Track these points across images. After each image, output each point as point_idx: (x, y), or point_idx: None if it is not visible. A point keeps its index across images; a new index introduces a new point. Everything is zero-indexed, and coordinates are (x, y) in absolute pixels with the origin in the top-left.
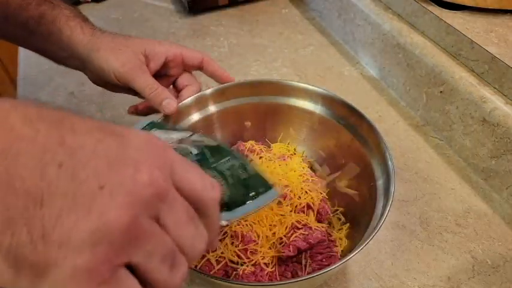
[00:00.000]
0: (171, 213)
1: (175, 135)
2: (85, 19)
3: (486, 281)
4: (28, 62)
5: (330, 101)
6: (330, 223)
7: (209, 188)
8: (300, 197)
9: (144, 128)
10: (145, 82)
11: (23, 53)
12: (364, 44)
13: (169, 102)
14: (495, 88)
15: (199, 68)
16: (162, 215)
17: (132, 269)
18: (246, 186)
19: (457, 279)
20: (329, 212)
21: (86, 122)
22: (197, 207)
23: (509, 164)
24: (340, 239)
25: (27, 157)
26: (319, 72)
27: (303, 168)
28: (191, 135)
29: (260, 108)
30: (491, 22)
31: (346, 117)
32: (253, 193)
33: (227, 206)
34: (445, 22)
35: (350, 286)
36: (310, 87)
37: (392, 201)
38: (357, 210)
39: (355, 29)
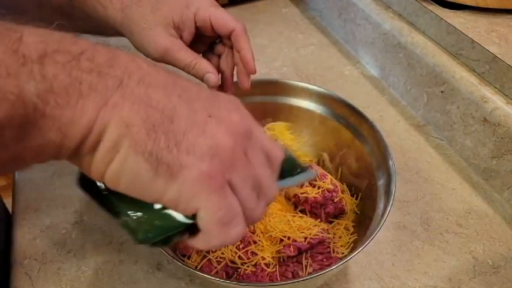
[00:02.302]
0: (255, 152)
1: None
2: None
3: (487, 281)
4: None
5: (330, 100)
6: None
7: (277, 147)
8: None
9: None
10: (183, 61)
11: None
12: (365, 43)
13: (210, 76)
14: (496, 88)
15: (228, 39)
16: (249, 151)
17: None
18: (290, 163)
19: (457, 279)
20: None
21: (182, 76)
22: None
23: (510, 164)
24: (347, 229)
25: (156, 87)
26: (319, 71)
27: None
28: None
29: (260, 108)
30: (492, 22)
31: (347, 116)
32: (297, 168)
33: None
34: (446, 22)
35: (351, 286)
36: (311, 86)
37: (393, 201)
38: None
39: (356, 28)
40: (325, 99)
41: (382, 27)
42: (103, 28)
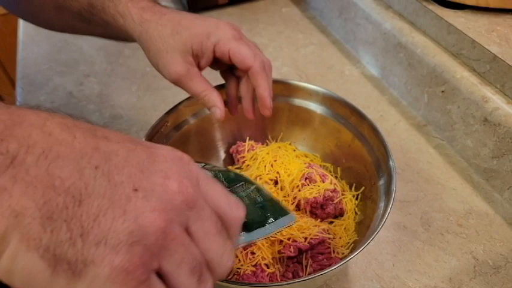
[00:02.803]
0: (200, 222)
1: None
2: None
3: (487, 281)
4: (27, 62)
5: (330, 100)
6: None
7: (234, 206)
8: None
9: None
10: (195, 90)
11: (22, 53)
12: (365, 43)
13: (215, 111)
14: (497, 88)
15: (245, 73)
16: (191, 223)
17: (161, 278)
18: (264, 209)
19: (458, 280)
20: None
21: (116, 133)
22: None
23: (511, 164)
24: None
25: (66, 159)
26: (319, 71)
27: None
28: (204, 165)
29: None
30: (492, 21)
31: (347, 116)
32: (271, 216)
33: (246, 227)
34: (447, 21)
35: (351, 287)
36: (311, 86)
37: (393, 201)
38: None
39: (356, 28)
40: (325, 99)
41: (382, 27)
42: (122, 36)
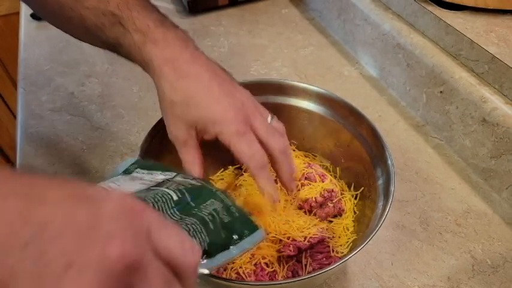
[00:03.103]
0: (146, 283)
1: (160, 176)
2: (155, 42)
3: (486, 280)
4: (28, 62)
5: (329, 101)
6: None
7: (188, 251)
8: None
9: (128, 168)
10: (182, 158)
11: (24, 54)
12: (364, 44)
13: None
14: (495, 88)
15: None
16: (136, 286)
17: None
18: (229, 230)
19: (457, 279)
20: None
21: (57, 188)
22: (175, 270)
23: (509, 164)
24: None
25: None
26: (319, 72)
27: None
28: (176, 175)
29: None
30: (491, 22)
31: (346, 117)
32: (236, 237)
33: (208, 253)
34: (445, 22)
35: (350, 286)
36: (310, 87)
37: (392, 201)
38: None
39: (355, 29)
40: (324, 99)
41: (381, 28)
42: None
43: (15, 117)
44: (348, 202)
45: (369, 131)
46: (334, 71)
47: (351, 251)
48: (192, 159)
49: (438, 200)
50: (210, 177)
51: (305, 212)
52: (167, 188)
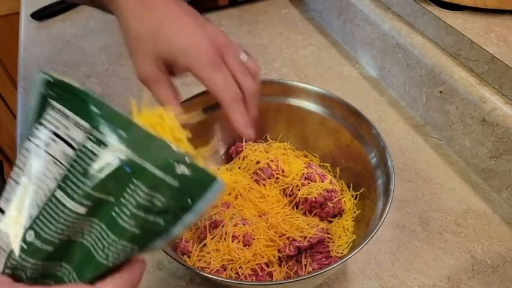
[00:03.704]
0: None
1: (79, 134)
2: None
3: (486, 280)
4: (28, 62)
5: (329, 101)
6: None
7: None
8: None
9: (42, 102)
10: (157, 97)
11: (24, 54)
12: (364, 44)
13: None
14: (495, 88)
15: None
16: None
17: None
18: (179, 198)
19: (456, 279)
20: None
21: None
22: None
23: (509, 164)
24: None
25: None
26: (319, 72)
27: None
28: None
29: (260, 108)
30: (490, 22)
31: (346, 117)
32: (190, 201)
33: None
34: (445, 22)
35: (350, 286)
36: (310, 87)
37: (392, 201)
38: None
39: (355, 29)
40: (324, 99)
41: (381, 28)
42: (107, 11)
43: (15, 117)
44: (348, 202)
45: (369, 131)
46: (334, 71)
47: (350, 251)
48: (167, 95)
49: (438, 200)
50: None
51: (305, 212)
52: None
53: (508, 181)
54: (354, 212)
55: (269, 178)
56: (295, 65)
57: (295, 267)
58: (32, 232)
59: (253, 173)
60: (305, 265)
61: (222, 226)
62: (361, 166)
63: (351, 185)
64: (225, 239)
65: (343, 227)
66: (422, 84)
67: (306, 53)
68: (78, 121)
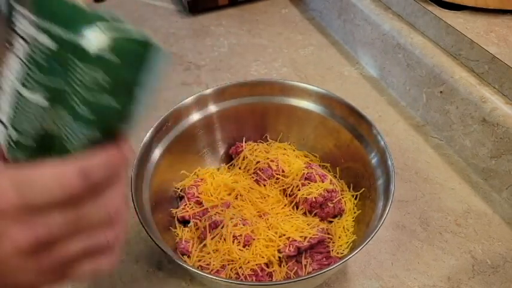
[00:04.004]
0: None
1: (46, 41)
2: None
3: (486, 281)
4: None
5: (329, 101)
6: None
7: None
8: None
9: None
10: None
11: None
12: (364, 44)
13: None
14: (495, 88)
15: None
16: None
17: None
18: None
19: (457, 279)
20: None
21: None
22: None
23: (509, 164)
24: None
25: None
26: (319, 72)
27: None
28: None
29: (260, 108)
30: (491, 22)
31: (346, 117)
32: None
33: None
34: (445, 22)
35: (350, 286)
36: (310, 87)
37: (392, 201)
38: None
39: (355, 29)
40: (324, 99)
41: (381, 28)
42: None
43: None
44: (348, 202)
45: (369, 131)
46: (334, 71)
47: (351, 251)
48: None
49: (438, 200)
50: (206, 178)
51: (305, 212)
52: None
53: (509, 181)
54: (354, 212)
55: (269, 178)
56: (295, 65)
57: (295, 268)
58: (12, 130)
59: (253, 173)
60: (305, 265)
61: (222, 226)
62: (361, 166)
63: (351, 185)
64: (225, 239)
65: (343, 227)
66: (422, 84)
67: (306, 53)
68: (25, 13)
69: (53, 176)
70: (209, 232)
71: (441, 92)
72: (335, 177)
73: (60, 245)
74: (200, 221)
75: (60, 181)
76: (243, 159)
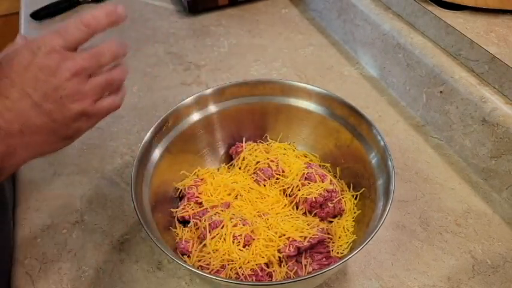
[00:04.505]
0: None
1: None
2: None
3: (486, 281)
4: None
5: (329, 101)
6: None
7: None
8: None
9: None
10: None
11: None
12: (364, 44)
13: None
14: (495, 88)
15: None
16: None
17: None
18: None
19: (457, 279)
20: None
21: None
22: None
23: (509, 164)
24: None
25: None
26: (319, 72)
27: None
28: None
29: (260, 108)
30: (491, 22)
31: (346, 117)
32: None
33: None
34: (445, 22)
35: (350, 286)
36: (310, 87)
37: (392, 201)
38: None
39: (355, 29)
40: (324, 99)
41: (381, 28)
42: None
43: None
44: (348, 202)
45: (369, 131)
46: (334, 71)
47: (351, 251)
48: None
49: (438, 200)
50: (206, 178)
51: (305, 212)
52: None
53: (509, 181)
54: (354, 212)
55: (269, 178)
56: (295, 65)
57: (295, 268)
58: None
59: (253, 173)
60: (305, 265)
61: (222, 226)
62: (361, 166)
63: (351, 185)
64: (224, 239)
65: (343, 227)
66: (422, 84)
67: (306, 53)
68: None
69: (76, 21)
70: (209, 232)
71: (441, 92)
72: (335, 177)
73: (94, 73)
74: (200, 221)
75: (83, 22)
76: (243, 159)
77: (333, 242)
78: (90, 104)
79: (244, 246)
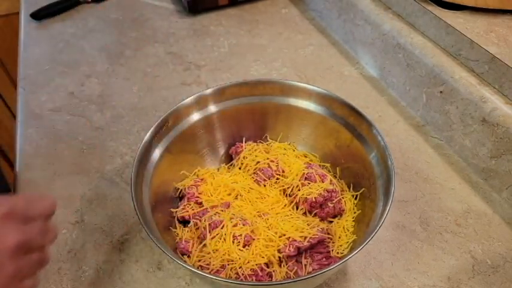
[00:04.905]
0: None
1: None
2: None
3: (486, 281)
4: (28, 62)
5: (330, 100)
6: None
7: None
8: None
9: None
10: None
11: (24, 54)
12: (364, 44)
13: None
14: (495, 88)
15: None
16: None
17: None
18: None
19: (457, 279)
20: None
21: None
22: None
23: (509, 164)
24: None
25: None
26: (319, 72)
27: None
28: None
29: (260, 108)
30: (491, 22)
31: (346, 117)
32: None
33: None
34: (445, 22)
35: (350, 286)
36: (310, 87)
37: (392, 201)
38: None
39: (355, 29)
40: (324, 99)
41: (381, 28)
42: None
43: (15, 117)
44: (348, 202)
45: (369, 131)
46: (334, 71)
47: (351, 251)
48: None
49: (438, 200)
50: (206, 178)
51: (305, 212)
52: None
53: (509, 181)
54: (354, 212)
55: (269, 178)
56: (295, 65)
57: (295, 268)
58: None
59: (253, 173)
60: (305, 265)
61: (222, 226)
62: (361, 166)
63: (351, 185)
64: (224, 239)
65: (343, 227)
66: (422, 84)
67: (306, 53)
68: None
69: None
70: (209, 232)
71: (441, 92)
72: (335, 177)
73: (31, 251)
74: (200, 221)
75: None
76: (243, 159)
77: (333, 242)
78: None
79: (244, 246)
